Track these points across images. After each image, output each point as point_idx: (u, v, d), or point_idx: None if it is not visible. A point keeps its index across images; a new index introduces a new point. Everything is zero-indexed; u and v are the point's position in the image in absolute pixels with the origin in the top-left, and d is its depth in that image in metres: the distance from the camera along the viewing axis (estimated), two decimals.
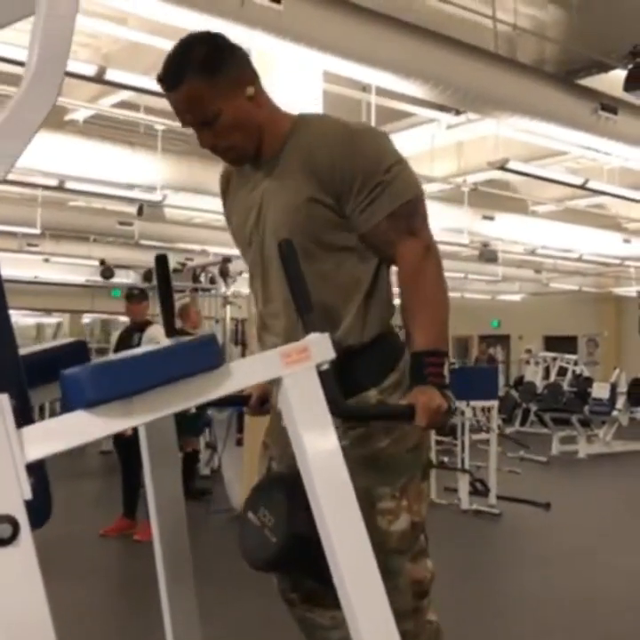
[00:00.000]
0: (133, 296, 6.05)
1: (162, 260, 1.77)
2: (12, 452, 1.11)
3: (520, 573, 5.20)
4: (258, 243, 1.89)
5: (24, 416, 1.17)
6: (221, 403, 2.78)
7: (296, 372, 1.42)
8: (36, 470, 1.16)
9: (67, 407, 1.21)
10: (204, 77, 1.72)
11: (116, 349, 5.63)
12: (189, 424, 6.52)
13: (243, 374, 1.38)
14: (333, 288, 1.81)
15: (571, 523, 6.65)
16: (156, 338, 5.60)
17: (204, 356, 1.31)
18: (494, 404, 7.40)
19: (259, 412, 2.05)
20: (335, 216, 1.80)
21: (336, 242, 1.82)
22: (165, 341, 1.60)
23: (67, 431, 1.19)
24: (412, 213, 1.82)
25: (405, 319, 1.80)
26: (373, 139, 1.83)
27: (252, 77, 1.82)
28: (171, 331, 1.79)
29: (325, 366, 1.47)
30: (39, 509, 1.17)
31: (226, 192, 2.04)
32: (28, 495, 1.11)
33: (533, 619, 4.23)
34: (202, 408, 6.72)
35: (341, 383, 1.52)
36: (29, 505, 1.11)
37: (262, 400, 2.03)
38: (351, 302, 1.82)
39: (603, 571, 5.13)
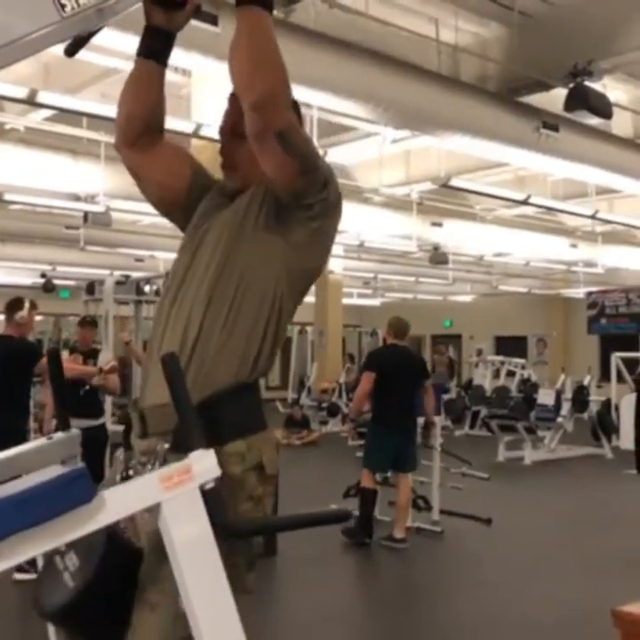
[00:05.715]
0: (86, 323, 6.23)
1: (53, 356, 1.71)
2: None
3: (455, 597, 5.21)
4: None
5: None
6: None
7: (177, 495, 1.38)
8: None
9: None
10: None
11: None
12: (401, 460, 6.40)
13: (117, 505, 1.33)
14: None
15: (511, 540, 6.67)
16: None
17: (72, 493, 1.25)
18: (437, 420, 7.39)
19: None
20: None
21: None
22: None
23: None
24: None
25: None
26: None
27: None
28: (65, 425, 1.74)
29: (210, 485, 1.43)
30: None
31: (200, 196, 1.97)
32: None
33: None
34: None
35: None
36: None
37: None
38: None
39: (535, 599, 5.08)
